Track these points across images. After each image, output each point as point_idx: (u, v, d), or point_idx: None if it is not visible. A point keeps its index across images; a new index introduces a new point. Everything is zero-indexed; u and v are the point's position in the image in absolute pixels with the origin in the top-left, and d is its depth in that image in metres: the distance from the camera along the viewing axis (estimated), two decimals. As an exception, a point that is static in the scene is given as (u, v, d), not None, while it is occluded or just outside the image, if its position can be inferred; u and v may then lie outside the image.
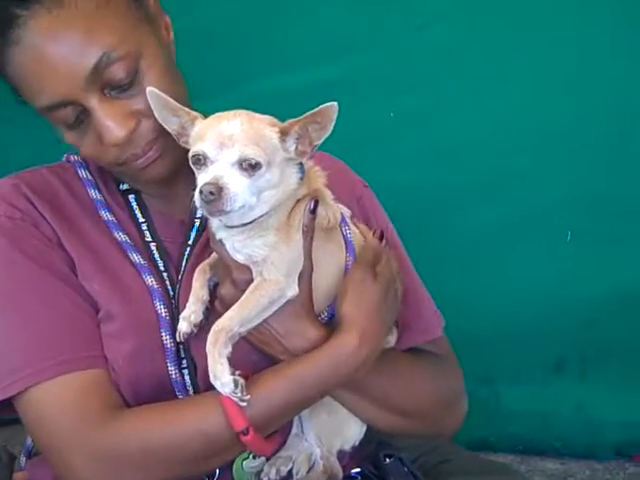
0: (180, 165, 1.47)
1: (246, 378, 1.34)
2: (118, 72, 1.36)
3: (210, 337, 1.31)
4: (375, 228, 1.59)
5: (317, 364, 1.38)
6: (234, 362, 1.31)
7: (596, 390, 2.61)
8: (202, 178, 1.28)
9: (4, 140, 1.83)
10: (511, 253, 2.45)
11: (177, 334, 1.42)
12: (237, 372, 1.31)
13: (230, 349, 1.31)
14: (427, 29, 2.19)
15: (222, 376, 1.29)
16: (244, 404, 1.31)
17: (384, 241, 1.53)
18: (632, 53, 2.25)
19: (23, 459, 1.57)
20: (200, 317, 1.42)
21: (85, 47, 1.33)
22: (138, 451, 1.36)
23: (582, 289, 2.46)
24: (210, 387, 1.33)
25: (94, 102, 1.37)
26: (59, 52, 1.32)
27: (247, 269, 1.37)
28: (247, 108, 1.35)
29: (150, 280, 1.49)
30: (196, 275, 1.46)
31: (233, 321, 1.32)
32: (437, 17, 2.20)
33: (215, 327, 1.32)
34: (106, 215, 1.55)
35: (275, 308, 1.37)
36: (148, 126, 1.42)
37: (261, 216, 1.35)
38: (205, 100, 1.41)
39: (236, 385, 1.29)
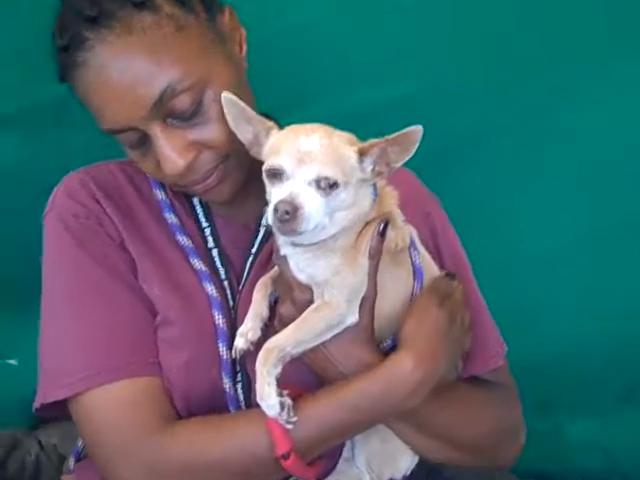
0: (244, 181, 1.47)
1: (296, 397, 1.31)
2: (182, 103, 1.33)
3: (261, 355, 1.28)
4: (447, 269, 1.55)
5: (368, 385, 1.34)
6: (284, 379, 1.28)
7: None
8: (277, 194, 1.24)
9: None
10: (578, 273, 2.32)
11: (233, 350, 1.40)
12: (285, 392, 1.28)
13: (280, 369, 1.27)
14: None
15: (269, 397, 1.26)
16: (290, 427, 1.28)
17: (455, 279, 1.48)
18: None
19: (72, 461, 1.59)
20: (258, 334, 1.39)
21: (150, 77, 1.30)
22: (184, 465, 1.36)
23: None
24: None
25: (156, 130, 1.35)
26: (123, 80, 1.30)
27: (308, 289, 1.33)
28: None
29: (210, 288, 1.47)
30: (257, 288, 1.44)
31: (287, 341, 1.29)
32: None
33: (267, 345, 1.28)
34: (170, 217, 1.53)
35: (332, 333, 1.33)
36: (209, 156, 1.40)
37: (329, 237, 1.31)
38: (277, 117, 1.38)
39: (282, 407, 1.26)
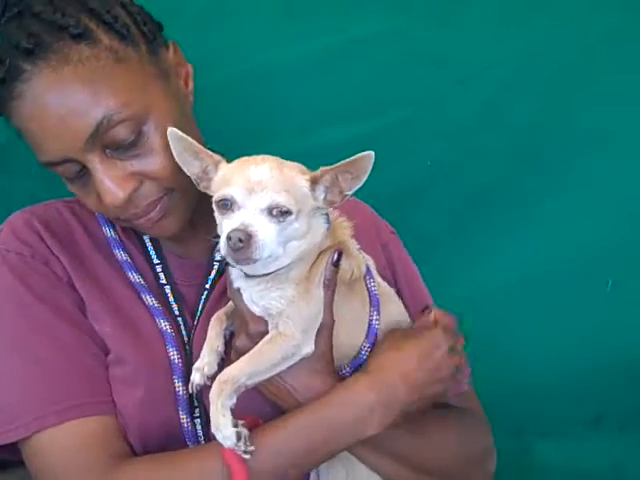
0: (193, 216, 1.47)
1: (252, 427, 1.30)
2: (120, 134, 1.33)
3: (215, 387, 1.27)
4: (405, 298, 1.59)
5: (325, 407, 1.33)
6: (240, 409, 1.27)
7: (636, 447, 2.52)
8: (228, 224, 1.24)
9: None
10: (548, 301, 2.38)
11: (190, 385, 1.39)
12: (241, 422, 1.26)
13: (234, 401, 1.27)
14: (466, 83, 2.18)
15: (225, 428, 1.25)
16: (247, 456, 1.26)
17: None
18: None
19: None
20: (214, 369, 1.38)
21: (87, 108, 1.30)
22: None
23: (622, 341, 2.37)
24: None
25: (94, 162, 1.35)
26: (59, 111, 1.30)
27: (263, 321, 1.34)
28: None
29: (164, 324, 1.46)
30: (212, 323, 1.43)
31: (241, 373, 1.29)
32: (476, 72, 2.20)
33: (221, 377, 1.28)
34: (120, 254, 1.53)
35: (288, 364, 1.33)
36: (150, 188, 1.40)
37: (283, 267, 1.31)
38: (236, 155, 1.38)
39: (239, 438, 1.25)
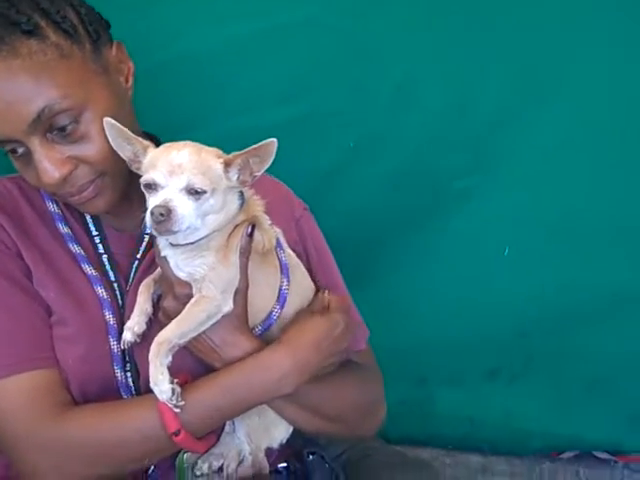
0: (127, 193, 1.61)
1: (183, 383, 1.49)
2: (60, 121, 1.45)
3: (152, 348, 1.45)
4: (315, 268, 1.77)
5: (247, 372, 1.53)
6: (173, 369, 1.46)
7: (524, 397, 2.74)
8: (153, 201, 1.41)
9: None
10: (448, 265, 2.55)
11: (122, 342, 1.56)
12: (175, 380, 1.46)
13: (170, 359, 1.45)
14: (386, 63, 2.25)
15: (162, 384, 1.43)
16: (178, 410, 1.46)
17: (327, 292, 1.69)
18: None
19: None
20: (143, 327, 1.56)
21: (30, 97, 1.41)
22: (83, 445, 1.52)
23: (515, 301, 2.56)
24: (150, 389, 1.47)
25: (35, 144, 1.46)
26: (6, 98, 1.41)
27: (188, 285, 1.50)
28: (214, 147, 1.47)
29: (100, 290, 1.61)
30: (141, 289, 1.59)
31: (174, 333, 1.46)
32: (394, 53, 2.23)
33: (157, 339, 1.45)
34: (62, 227, 1.66)
35: (212, 322, 1.50)
36: (85, 170, 1.52)
37: (203, 238, 1.49)
38: (172, 139, 1.51)
39: (173, 393, 1.44)
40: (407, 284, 2.58)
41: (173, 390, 1.44)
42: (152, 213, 1.38)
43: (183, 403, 1.45)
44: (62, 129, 1.47)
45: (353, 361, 1.81)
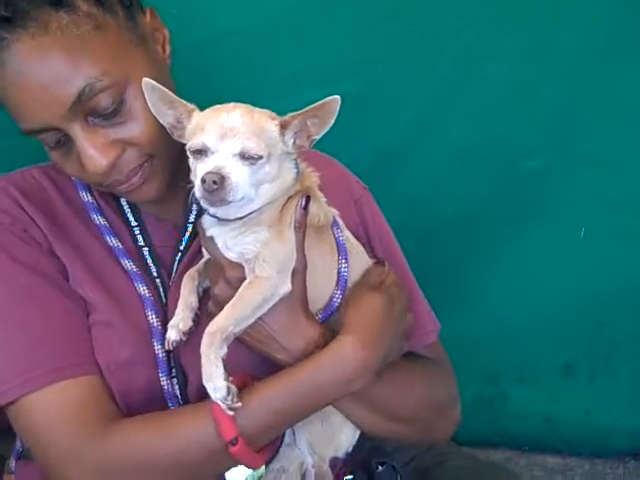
0: (171, 181, 1.48)
1: (241, 386, 1.34)
2: (102, 102, 1.34)
3: (205, 339, 1.30)
4: (378, 253, 1.63)
5: (315, 368, 1.37)
6: (229, 368, 1.30)
7: (604, 395, 2.62)
8: (202, 168, 1.28)
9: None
10: (520, 251, 2.43)
11: (166, 342, 1.42)
12: (230, 378, 1.30)
13: (226, 350, 1.30)
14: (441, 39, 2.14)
15: (216, 380, 1.28)
16: (232, 413, 1.30)
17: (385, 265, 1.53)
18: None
19: (13, 462, 1.59)
20: (189, 324, 1.42)
21: (68, 77, 1.30)
22: (135, 464, 1.37)
23: (593, 291, 2.43)
24: (200, 398, 1.33)
25: (77, 130, 1.35)
26: (41, 80, 1.30)
27: (239, 267, 1.36)
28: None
29: (142, 288, 1.49)
30: (184, 281, 1.46)
31: (228, 320, 1.32)
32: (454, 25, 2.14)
33: (209, 328, 1.31)
34: (98, 219, 1.54)
35: (269, 305, 1.36)
36: (132, 154, 1.41)
37: (254, 211, 1.35)
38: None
39: (228, 392, 1.28)
40: (476, 273, 2.46)
41: (229, 389, 1.28)
42: (204, 181, 1.25)
43: (240, 405, 1.30)
44: (104, 111, 1.35)
45: (422, 355, 1.69)
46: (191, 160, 1.32)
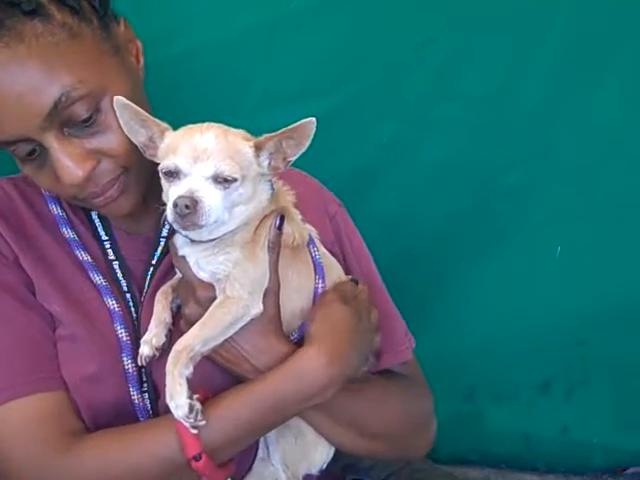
0: (144, 193, 1.45)
1: (204, 400, 1.31)
2: (78, 112, 1.31)
3: (171, 356, 1.27)
4: (353, 269, 1.61)
5: (279, 380, 1.34)
6: (195, 384, 1.28)
7: (582, 412, 2.60)
8: (175, 191, 1.25)
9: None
10: (496, 269, 2.41)
11: (139, 358, 1.39)
12: (195, 396, 1.28)
13: (191, 370, 1.27)
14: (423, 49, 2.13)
15: (178, 398, 1.25)
16: (195, 431, 1.28)
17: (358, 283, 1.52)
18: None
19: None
20: (162, 340, 1.39)
21: (44, 85, 1.27)
22: (96, 478, 1.34)
23: (569, 308, 2.42)
24: (170, 412, 1.29)
25: (52, 141, 1.32)
26: (15, 89, 1.26)
27: (211, 287, 1.34)
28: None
29: (111, 303, 1.45)
30: (158, 297, 1.43)
31: (195, 340, 1.29)
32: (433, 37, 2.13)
33: (177, 346, 1.28)
34: (67, 232, 1.51)
35: (239, 326, 1.33)
36: (108, 166, 1.38)
37: (228, 232, 1.33)
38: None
39: (191, 410, 1.26)
40: (452, 290, 2.45)
41: (191, 406, 1.25)
42: (176, 205, 1.23)
43: (203, 423, 1.28)
44: (82, 120, 1.32)
45: (397, 372, 1.67)
46: (163, 181, 1.30)
